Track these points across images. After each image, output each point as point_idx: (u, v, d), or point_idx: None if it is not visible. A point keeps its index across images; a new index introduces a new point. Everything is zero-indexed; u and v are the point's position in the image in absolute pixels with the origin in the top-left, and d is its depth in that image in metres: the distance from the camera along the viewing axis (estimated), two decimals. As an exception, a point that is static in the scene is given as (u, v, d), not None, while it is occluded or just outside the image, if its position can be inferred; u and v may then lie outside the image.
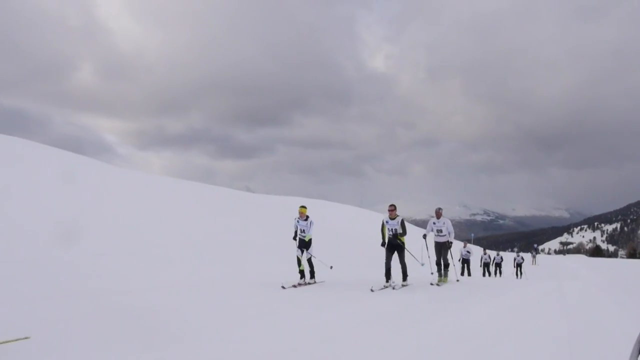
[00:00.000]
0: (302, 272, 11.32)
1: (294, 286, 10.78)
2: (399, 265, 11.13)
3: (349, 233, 27.69)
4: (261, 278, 12.19)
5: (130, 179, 22.57)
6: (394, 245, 10.97)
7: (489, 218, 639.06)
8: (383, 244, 11.03)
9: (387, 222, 11.01)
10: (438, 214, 12.57)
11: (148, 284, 10.52)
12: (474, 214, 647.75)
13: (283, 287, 10.46)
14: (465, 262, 22.16)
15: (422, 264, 12.26)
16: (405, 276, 11.23)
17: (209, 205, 22.56)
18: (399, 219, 10.94)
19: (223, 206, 23.85)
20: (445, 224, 12.38)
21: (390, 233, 10.97)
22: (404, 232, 10.94)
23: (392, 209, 11.03)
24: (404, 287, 10.98)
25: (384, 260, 11.00)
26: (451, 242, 12.40)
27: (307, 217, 11.47)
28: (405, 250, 11.10)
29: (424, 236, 12.46)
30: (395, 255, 11.02)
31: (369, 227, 31.12)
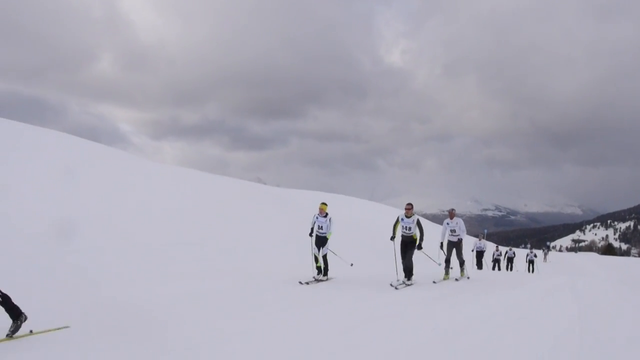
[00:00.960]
0: (319, 268, 11.52)
1: (308, 283, 11.00)
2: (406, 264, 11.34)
3: (365, 226, 28.17)
4: (278, 272, 12.53)
5: (141, 168, 22.99)
6: (407, 243, 11.35)
7: (500, 214, 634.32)
8: (392, 238, 11.37)
9: (402, 219, 11.35)
10: (452, 214, 13.14)
11: (162, 279, 10.85)
12: (485, 209, 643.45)
13: (300, 283, 10.76)
14: (479, 254, 22.87)
15: (440, 264, 12.72)
16: (410, 275, 11.29)
17: (223, 197, 22.98)
18: (414, 218, 11.27)
19: (239, 198, 24.30)
20: (459, 224, 12.87)
21: (405, 231, 11.35)
22: (422, 233, 11.21)
23: (409, 207, 11.38)
24: (410, 286, 11.06)
25: (394, 255, 11.44)
26: (461, 239, 12.91)
27: (327, 214, 11.59)
28: (416, 250, 11.33)
29: (441, 245, 12.97)
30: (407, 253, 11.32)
31: (384, 220, 31.59)
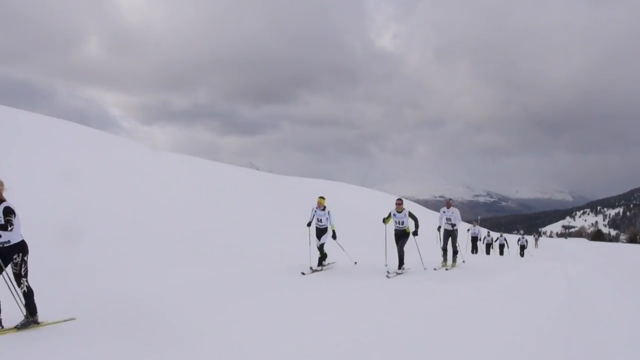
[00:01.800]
0: (324, 256, 12.03)
1: (311, 269, 11.52)
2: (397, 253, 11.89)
3: (362, 214, 28.80)
4: (279, 260, 12.95)
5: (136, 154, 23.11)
6: (400, 235, 11.95)
7: (491, 200, 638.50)
8: (384, 221, 11.89)
9: (394, 214, 11.90)
10: (448, 204, 13.86)
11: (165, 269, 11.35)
12: (477, 196, 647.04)
13: (303, 274, 11.14)
14: (474, 239, 23.72)
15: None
16: (401, 264, 11.88)
17: (219, 184, 23.25)
18: (405, 212, 11.86)
19: (236, 185, 24.62)
20: (454, 213, 13.55)
21: (398, 225, 11.90)
22: (416, 222, 11.79)
23: (400, 202, 12.01)
24: (406, 273, 11.69)
25: (384, 245, 11.98)
26: (457, 228, 13.55)
27: (325, 207, 12.01)
28: (414, 237, 11.98)
29: (439, 228, 13.62)
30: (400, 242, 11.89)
31: (379, 206, 32.20)
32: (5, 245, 5.77)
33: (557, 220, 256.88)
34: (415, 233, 11.93)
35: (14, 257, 5.81)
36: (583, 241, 66.20)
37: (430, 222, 14.14)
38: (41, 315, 6.07)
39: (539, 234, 54.03)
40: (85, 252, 10.29)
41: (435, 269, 12.74)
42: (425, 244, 14.30)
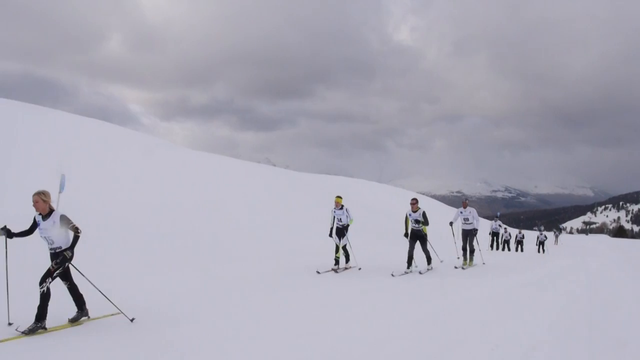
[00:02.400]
0: (337, 259, 11.90)
1: (331, 271, 11.59)
2: (423, 254, 12.11)
3: (381, 210, 28.97)
4: (298, 257, 13.17)
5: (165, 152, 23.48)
6: (417, 235, 11.99)
7: (510, 195, 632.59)
8: (406, 235, 12.01)
9: (410, 215, 11.99)
10: (464, 204, 13.89)
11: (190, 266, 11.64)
12: (495, 191, 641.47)
13: (318, 272, 11.26)
14: (495, 235, 23.76)
15: (442, 261, 13.38)
16: (429, 260, 12.24)
17: (240, 182, 23.54)
18: (420, 212, 11.90)
19: (257, 183, 24.90)
20: (471, 213, 13.58)
21: (414, 225, 11.97)
22: (426, 222, 11.90)
23: (414, 202, 12.02)
24: (430, 271, 12.04)
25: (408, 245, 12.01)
26: (476, 230, 13.58)
27: (342, 206, 12.09)
28: (428, 242, 12.10)
29: (451, 223, 13.74)
30: (419, 245, 11.97)
31: (399, 203, 32.30)
32: (57, 250, 6.19)
33: (577, 216, 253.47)
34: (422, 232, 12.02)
35: (59, 258, 6.16)
36: (605, 237, 65.47)
37: (448, 220, 14.18)
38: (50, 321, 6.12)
39: (560, 231, 53.47)
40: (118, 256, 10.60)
41: (455, 267, 12.93)
42: (441, 242, 14.33)
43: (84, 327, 6.22)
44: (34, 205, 6.14)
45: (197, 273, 10.35)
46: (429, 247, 12.17)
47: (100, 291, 6.52)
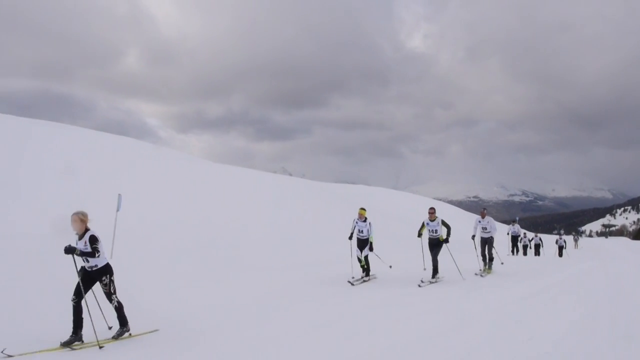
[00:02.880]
0: (363, 267, 12.08)
1: (353, 282, 11.57)
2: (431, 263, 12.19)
3: (400, 217, 29.37)
4: (321, 269, 13.30)
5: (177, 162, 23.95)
6: (434, 243, 12.16)
7: (527, 199, 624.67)
8: (419, 235, 12.34)
9: (427, 223, 12.19)
10: (483, 214, 14.30)
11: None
12: (512, 195, 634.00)
13: (350, 283, 11.40)
14: (514, 239, 24.01)
15: (390, 267, 12.95)
16: (435, 273, 12.02)
17: (259, 192, 23.92)
18: (438, 220, 12.09)
19: (277, 193, 25.30)
20: (489, 222, 13.99)
21: (432, 233, 12.16)
22: (448, 230, 12.02)
23: (432, 212, 12.19)
24: (441, 281, 11.90)
25: (421, 254, 12.42)
26: (493, 237, 13.91)
27: (366, 218, 12.09)
28: (444, 244, 12.13)
29: (473, 237, 14.01)
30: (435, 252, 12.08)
31: (418, 210, 32.63)
32: (94, 268, 6.55)
33: (596, 219, 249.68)
34: (446, 240, 12.09)
35: (103, 278, 6.58)
36: (625, 240, 64.66)
37: (467, 225, 14.56)
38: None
39: (579, 234, 53.13)
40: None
41: (475, 274, 13.10)
42: (461, 248, 14.47)
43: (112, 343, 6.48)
44: (72, 225, 6.41)
45: (222, 284, 10.61)
46: (440, 257, 12.15)
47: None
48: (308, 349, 6.28)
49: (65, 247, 6.15)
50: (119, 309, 6.63)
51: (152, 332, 6.90)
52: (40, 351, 5.91)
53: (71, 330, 6.34)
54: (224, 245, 14.81)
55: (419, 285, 11.20)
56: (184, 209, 17.27)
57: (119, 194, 11.73)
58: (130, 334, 6.71)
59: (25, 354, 5.80)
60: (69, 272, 6.73)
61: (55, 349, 6.05)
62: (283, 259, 14.63)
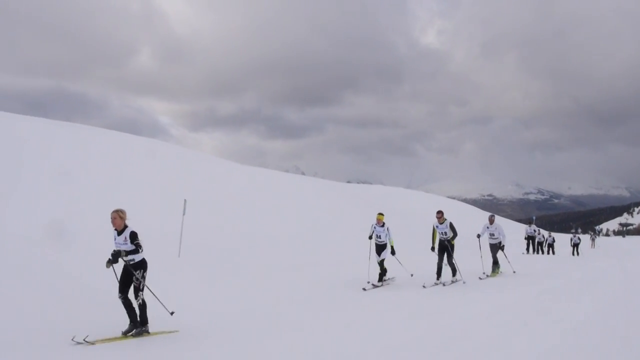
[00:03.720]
0: (384, 272, 12.01)
1: (372, 286, 11.54)
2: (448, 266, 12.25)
3: (416, 217, 29.67)
4: (338, 272, 13.11)
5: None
6: (444, 247, 12.21)
7: (543, 197, 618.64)
8: (433, 249, 12.33)
9: (437, 226, 12.28)
10: (491, 220, 14.25)
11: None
12: (527, 193, 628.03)
13: (364, 289, 11.26)
14: (531, 239, 24.24)
15: (412, 275, 12.60)
16: (454, 272, 12.23)
17: (273, 193, 23.95)
18: (447, 223, 12.13)
19: (291, 193, 25.38)
20: (498, 229, 13.91)
21: (442, 235, 12.24)
22: (455, 233, 12.09)
23: (440, 215, 12.25)
24: (458, 282, 12.09)
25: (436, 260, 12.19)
26: (503, 245, 13.87)
27: (384, 223, 12.03)
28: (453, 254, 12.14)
29: (478, 236, 13.88)
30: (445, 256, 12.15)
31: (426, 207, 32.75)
32: (131, 262, 6.84)
33: (613, 217, 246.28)
34: (450, 244, 12.15)
35: (137, 272, 6.83)
36: (642, 239, 63.99)
37: (481, 225, 14.54)
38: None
39: (596, 233, 52.62)
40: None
41: (480, 278, 12.97)
42: (474, 250, 14.39)
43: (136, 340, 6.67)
44: (112, 222, 6.78)
45: (238, 287, 10.61)
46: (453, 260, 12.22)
47: (155, 295, 7.03)
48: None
49: (112, 253, 6.66)
50: (143, 307, 6.84)
51: (171, 332, 7.04)
52: (113, 338, 6.49)
53: (128, 321, 6.83)
54: (244, 247, 14.86)
55: (443, 285, 11.64)
56: (198, 210, 17.05)
57: (185, 199, 12.48)
58: (148, 333, 6.88)
59: (104, 340, 6.33)
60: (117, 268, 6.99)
61: (119, 338, 6.57)
62: (303, 259, 14.60)
